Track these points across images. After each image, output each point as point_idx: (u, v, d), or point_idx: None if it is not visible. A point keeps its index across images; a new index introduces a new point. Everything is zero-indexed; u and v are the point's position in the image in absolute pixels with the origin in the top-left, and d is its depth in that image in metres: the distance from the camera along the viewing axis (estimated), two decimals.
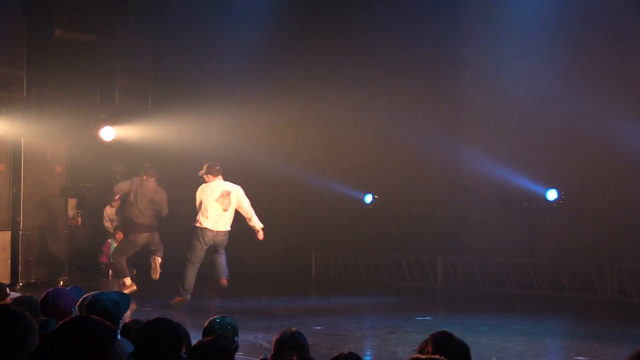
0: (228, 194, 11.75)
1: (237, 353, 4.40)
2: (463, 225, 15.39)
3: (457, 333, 3.59)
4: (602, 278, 13.18)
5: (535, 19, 13.99)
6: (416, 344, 3.55)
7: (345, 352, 3.70)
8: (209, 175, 11.87)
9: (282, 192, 16.78)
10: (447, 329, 3.64)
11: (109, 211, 17.09)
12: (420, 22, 15.19)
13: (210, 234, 11.56)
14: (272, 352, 4.35)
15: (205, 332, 4.63)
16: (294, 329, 4.43)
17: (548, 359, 8.60)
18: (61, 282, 14.17)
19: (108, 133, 16.41)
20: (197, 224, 11.64)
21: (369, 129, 15.62)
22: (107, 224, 17.03)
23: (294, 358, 4.22)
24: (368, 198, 15.98)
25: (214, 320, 4.76)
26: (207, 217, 11.56)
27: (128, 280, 12.97)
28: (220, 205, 11.65)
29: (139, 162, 17.31)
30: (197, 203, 11.77)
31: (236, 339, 4.69)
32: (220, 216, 11.59)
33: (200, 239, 11.58)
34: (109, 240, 16.76)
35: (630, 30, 13.33)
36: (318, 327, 9.63)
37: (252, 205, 11.52)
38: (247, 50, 16.11)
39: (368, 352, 8.45)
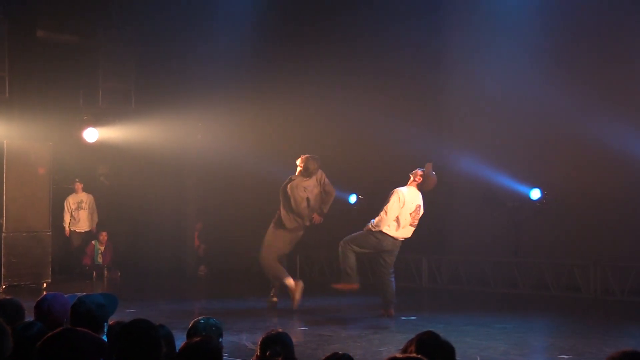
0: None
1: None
2: (448, 225, 15.41)
3: (442, 333, 3.59)
4: (585, 277, 13.24)
5: (518, 19, 14.03)
6: (401, 344, 3.55)
7: (340, 353, 3.70)
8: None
9: (266, 193, 16.74)
10: (431, 329, 3.64)
11: (71, 201, 16.87)
12: (404, 23, 15.20)
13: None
14: (257, 353, 4.34)
15: (190, 333, 4.62)
16: (279, 329, 4.43)
17: (532, 357, 8.62)
18: (44, 284, 14.11)
19: (91, 134, 16.36)
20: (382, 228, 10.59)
21: (353, 130, 15.61)
22: (67, 217, 16.81)
23: (279, 358, 4.21)
24: (352, 198, 15.99)
25: (198, 321, 4.75)
26: (397, 224, 10.52)
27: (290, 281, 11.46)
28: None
29: (123, 163, 17.31)
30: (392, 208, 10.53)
31: (220, 340, 4.69)
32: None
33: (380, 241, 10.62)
34: (93, 242, 16.70)
35: (612, 29, 13.39)
36: (303, 328, 9.63)
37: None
38: (232, 50, 16.08)
39: (353, 353, 8.43)
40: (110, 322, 4.60)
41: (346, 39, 15.75)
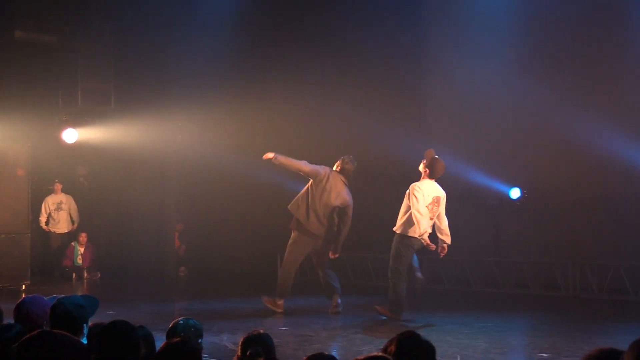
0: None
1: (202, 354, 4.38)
2: None
3: (422, 332, 3.60)
4: (564, 275, 13.33)
5: (498, 17, 14.09)
6: (382, 344, 3.56)
7: (326, 353, 3.70)
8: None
9: (247, 193, 16.75)
10: (412, 328, 3.65)
11: (50, 201, 16.79)
12: (384, 24, 15.23)
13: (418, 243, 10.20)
14: (238, 353, 4.34)
15: (169, 334, 4.61)
16: (260, 330, 4.43)
17: (512, 356, 8.66)
18: (23, 286, 14.03)
19: (71, 135, 16.27)
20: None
21: (332, 130, 15.63)
22: (43, 218, 16.73)
23: (261, 359, 4.21)
24: None
25: (177, 322, 4.75)
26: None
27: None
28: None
29: (102, 164, 17.23)
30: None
31: (200, 340, 4.68)
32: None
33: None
34: (73, 243, 16.62)
35: (592, 29, 13.46)
36: (283, 328, 9.62)
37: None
38: (212, 51, 16.05)
39: (334, 352, 8.44)
40: (90, 323, 4.58)
41: (327, 40, 15.77)
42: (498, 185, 14.15)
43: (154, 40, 16.35)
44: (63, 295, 4.82)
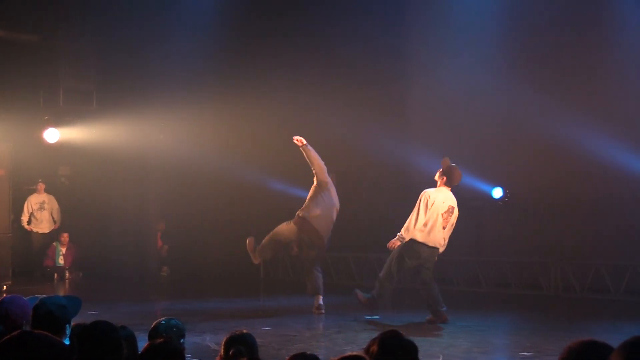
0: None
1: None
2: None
3: (405, 331, 3.61)
4: (546, 274, 13.39)
5: (482, 17, 14.14)
6: (364, 343, 3.56)
7: (308, 353, 3.70)
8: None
9: (229, 193, 16.73)
10: (395, 328, 3.66)
11: (33, 201, 16.71)
12: (367, 25, 15.24)
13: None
14: (221, 353, 4.33)
15: (151, 335, 4.60)
16: (244, 330, 4.43)
17: (494, 355, 8.69)
18: (4, 286, 13.95)
19: (52, 135, 16.19)
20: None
21: (314, 130, 15.59)
22: (25, 217, 16.65)
23: (244, 359, 4.21)
24: None
25: (159, 322, 4.73)
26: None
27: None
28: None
29: (84, 164, 17.15)
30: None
31: (182, 341, 4.67)
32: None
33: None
34: (54, 243, 16.55)
35: (576, 30, 13.53)
36: (266, 328, 9.62)
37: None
38: (194, 50, 16.02)
39: (316, 352, 8.45)
40: (73, 323, 4.57)
41: (308, 40, 15.76)
42: (481, 185, 14.19)
43: (135, 39, 16.29)
44: (44, 295, 4.80)
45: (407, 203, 15.35)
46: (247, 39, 16.31)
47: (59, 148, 16.59)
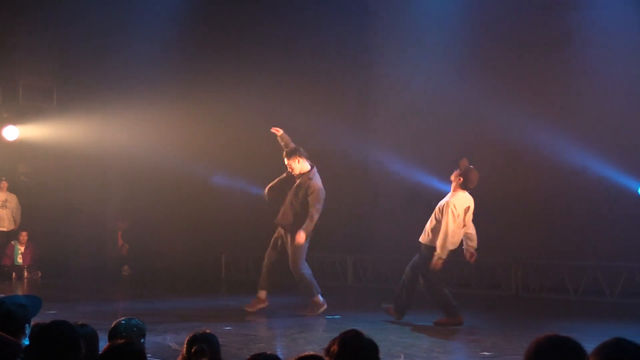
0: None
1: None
2: (373, 224, 15.53)
3: (366, 331, 3.62)
4: (506, 275, 13.50)
5: (445, 22, 14.23)
6: (326, 343, 3.56)
7: (268, 353, 3.70)
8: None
9: (190, 192, 16.66)
10: (356, 327, 3.67)
11: None
12: (332, 25, 15.26)
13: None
14: (183, 352, 4.32)
15: (111, 335, 4.57)
16: (206, 330, 4.42)
17: (455, 355, 8.75)
18: None
19: (11, 132, 16.02)
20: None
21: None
22: None
23: (206, 359, 4.20)
24: None
25: (119, 322, 4.70)
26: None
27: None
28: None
29: (44, 162, 16.98)
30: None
31: (142, 340, 4.64)
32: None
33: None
34: (13, 242, 16.36)
35: (537, 34, 13.66)
36: (228, 328, 9.59)
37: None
38: (155, 48, 15.93)
39: (277, 352, 8.45)
40: (32, 323, 4.51)
41: (272, 39, 15.74)
42: (441, 185, 14.25)
43: (97, 37, 16.17)
44: (3, 295, 4.74)
45: (369, 203, 15.46)
46: (208, 39, 16.26)
47: (18, 145, 16.41)
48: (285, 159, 10.78)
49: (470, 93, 13.77)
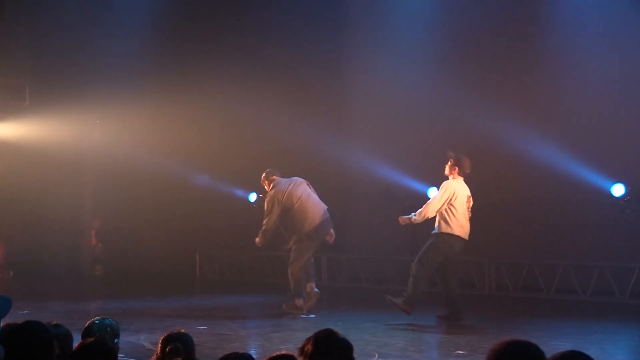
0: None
1: (119, 354, 4.33)
2: (347, 223, 15.52)
3: (341, 330, 3.62)
4: (480, 273, 13.57)
5: (421, 20, 14.27)
6: (300, 342, 3.57)
7: (240, 352, 3.69)
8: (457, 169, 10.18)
9: (165, 191, 16.59)
10: (330, 327, 3.67)
11: None
12: (306, 23, 15.26)
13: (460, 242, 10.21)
14: (157, 351, 4.30)
15: (84, 335, 4.54)
16: (181, 329, 4.41)
17: (429, 353, 8.78)
18: None
19: None
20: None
21: (253, 129, 15.60)
22: None
23: (180, 358, 4.19)
24: (252, 197, 15.94)
25: (93, 322, 4.68)
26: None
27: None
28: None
29: (17, 161, 16.84)
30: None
31: (116, 340, 4.62)
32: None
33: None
34: None
35: (513, 33, 13.73)
36: (202, 327, 9.57)
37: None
38: (130, 47, 15.85)
39: (252, 351, 8.44)
40: (3, 324, 4.47)
41: (247, 38, 15.72)
42: (415, 185, 14.29)
43: (71, 35, 16.06)
44: None
45: (342, 202, 15.45)
46: (184, 38, 16.21)
47: None
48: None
49: (444, 94, 13.82)
